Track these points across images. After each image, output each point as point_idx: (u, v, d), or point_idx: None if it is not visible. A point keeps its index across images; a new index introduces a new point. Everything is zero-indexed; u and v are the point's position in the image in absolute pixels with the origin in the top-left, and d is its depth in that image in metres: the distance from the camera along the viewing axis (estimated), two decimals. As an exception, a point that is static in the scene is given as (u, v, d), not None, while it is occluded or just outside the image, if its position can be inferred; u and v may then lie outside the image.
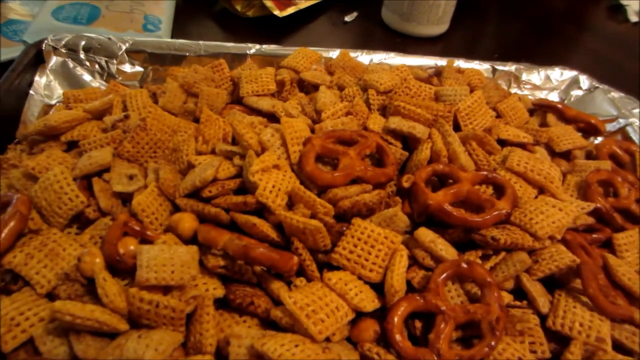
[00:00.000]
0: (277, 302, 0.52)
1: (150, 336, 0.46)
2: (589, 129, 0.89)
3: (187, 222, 0.57)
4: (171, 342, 0.46)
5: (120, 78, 0.93)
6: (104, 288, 0.48)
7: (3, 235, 0.54)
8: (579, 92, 1.02)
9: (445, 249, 0.55)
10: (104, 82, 0.92)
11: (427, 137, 0.69)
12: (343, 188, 0.60)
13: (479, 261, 0.55)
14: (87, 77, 0.91)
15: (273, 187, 0.58)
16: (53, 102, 0.87)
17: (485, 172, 0.63)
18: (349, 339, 0.51)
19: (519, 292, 0.57)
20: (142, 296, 0.47)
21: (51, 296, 0.53)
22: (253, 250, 0.49)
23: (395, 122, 0.70)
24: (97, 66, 0.92)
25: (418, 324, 0.51)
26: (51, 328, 0.50)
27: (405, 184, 0.61)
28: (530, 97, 1.00)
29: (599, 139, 0.90)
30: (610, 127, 0.94)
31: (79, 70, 0.91)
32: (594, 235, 0.65)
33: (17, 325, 0.49)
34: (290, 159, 0.64)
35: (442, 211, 0.58)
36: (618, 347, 0.53)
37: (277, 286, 0.52)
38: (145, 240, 0.57)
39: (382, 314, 0.52)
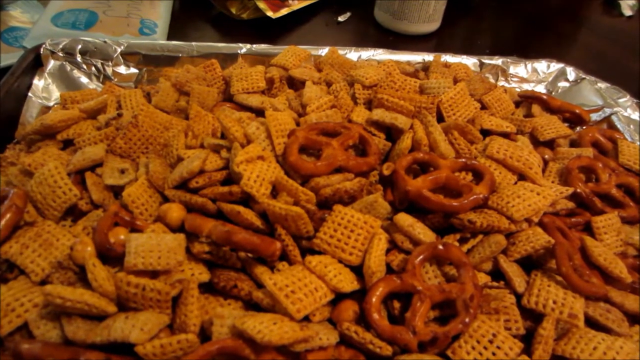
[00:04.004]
0: (261, 286, 0.54)
1: (137, 317, 0.48)
2: (574, 119, 0.91)
3: (175, 211, 0.59)
4: (157, 323, 0.48)
5: (116, 80, 0.96)
6: (93, 273, 0.51)
7: (0, 226, 0.57)
8: (566, 84, 1.04)
9: (423, 233, 0.57)
10: (100, 84, 0.95)
11: (410, 128, 0.71)
12: (325, 177, 0.62)
13: (456, 244, 0.57)
14: (84, 79, 0.94)
15: (257, 176, 0.60)
16: (51, 104, 0.90)
17: (464, 159, 0.65)
18: (331, 321, 0.53)
19: (498, 274, 0.58)
20: (130, 280, 0.50)
21: (45, 284, 0.55)
22: (235, 234, 0.51)
23: (378, 114, 0.72)
24: (93, 69, 0.95)
25: (397, 305, 0.53)
26: (44, 313, 0.52)
27: (386, 172, 0.63)
28: (517, 89, 1.01)
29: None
30: (596, 116, 0.96)
31: (76, 73, 0.94)
32: (573, 219, 0.66)
33: (12, 311, 0.52)
34: (275, 150, 0.66)
35: (421, 197, 0.59)
36: (593, 324, 0.54)
37: (261, 271, 0.54)
38: (135, 229, 0.59)
39: (362, 297, 0.53)
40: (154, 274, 0.53)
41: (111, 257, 0.56)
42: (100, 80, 0.95)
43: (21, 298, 0.53)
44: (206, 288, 0.55)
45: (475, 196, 0.59)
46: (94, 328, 0.49)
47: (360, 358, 0.49)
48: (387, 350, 0.48)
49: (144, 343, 0.46)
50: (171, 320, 0.51)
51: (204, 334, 0.51)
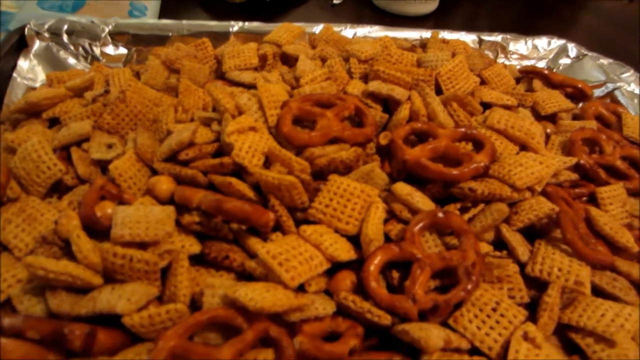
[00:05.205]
0: (253, 257, 0.52)
1: (124, 288, 0.46)
2: (577, 94, 0.88)
3: (164, 184, 0.57)
4: (145, 294, 0.46)
5: (104, 60, 0.93)
6: (77, 245, 0.48)
7: (-19, 202, 0.54)
8: (567, 61, 1.01)
9: (422, 201, 0.54)
10: (88, 65, 0.92)
11: (407, 99, 0.69)
12: (320, 147, 0.60)
13: (457, 212, 0.54)
14: (71, 60, 0.92)
15: (249, 147, 0.58)
16: (37, 85, 0.87)
17: (463, 129, 0.63)
18: (327, 293, 0.51)
19: (500, 245, 0.56)
20: (116, 251, 0.47)
21: (29, 259, 0.53)
22: (226, 202, 0.49)
23: (374, 85, 0.70)
24: (80, 49, 0.93)
25: (395, 274, 0.50)
26: (28, 288, 0.50)
27: (383, 141, 0.61)
28: (517, 67, 0.99)
29: (587, 104, 0.89)
30: (598, 92, 0.93)
31: (63, 54, 0.92)
32: (577, 190, 0.64)
33: (-6, 287, 0.50)
34: (267, 122, 0.64)
35: (419, 166, 0.57)
36: (599, 293, 0.52)
37: (253, 242, 0.52)
38: (122, 203, 0.57)
39: (359, 267, 0.51)
40: (141, 246, 0.51)
41: (98, 231, 0.54)
42: (88, 61, 0.92)
43: (4, 274, 0.51)
44: (197, 260, 0.53)
45: (476, 164, 0.57)
46: (79, 301, 0.46)
47: (358, 329, 0.47)
48: (386, 319, 0.46)
49: (131, 314, 0.43)
50: (160, 292, 0.49)
51: (195, 307, 0.48)
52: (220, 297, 0.45)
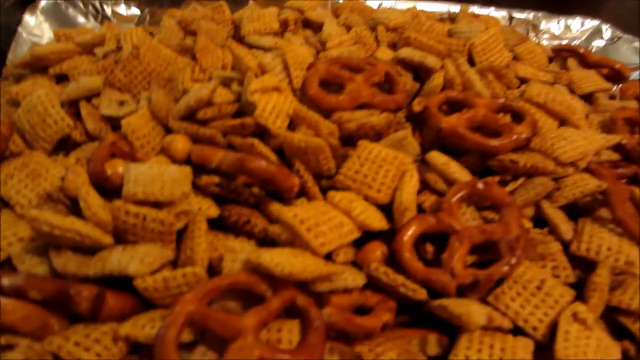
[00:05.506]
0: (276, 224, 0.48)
1: (137, 249, 0.42)
2: (613, 76, 0.83)
3: (180, 142, 0.53)
4: (159, 257, 0.42)
5: (115, 20, 0.89)
6: (86, 201, 0.44)
7: (-19, 153, 0.50)
8: (601, 43, 0.97)
9: (459, 172, 0.50)
10: (98, 25, 0.88)
11: (440, 68, 0.65)
12: (349, 112, 0.55)
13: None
14: (80, 19, 0.87)
15: (273, 108, 0.54)
16: (43, 42, 0.83)
17: (502, 100, 0.58)
18: (355, 264, 0.47)
19: (539, 223, 0.52)
20: (128, 209, 0.43)
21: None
22: (250, 161, 0.45)
23: (406, 52, 0.65)
24: (90, 7, 0.88)
25: (430, 248, 0.46)
26: (30, 247, 0.46)
27: (417, 108, 0.56)
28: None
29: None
30: (634, 75, 0.88)
31: (72, 12, 0.87)
32: (620, 171, 0.60)
33: (-6, 244, 0.46)
34: (292, 84, 0.59)
35: (455, 135, 0.53)
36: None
37: (278, 207, 0.48)
38: (135, 162, 0.53)
39: (390, 239, 0.47)
40: (156, 207, 0.47)
41: (107, 190, 0.50)
42: (98, 20, 0.88)
43: (4, 231, 0.47)
44: (214, 225, 0.49)
45: (517, 136, 0.53)
46: (86, 261, 0.42)
47: (390, 303, 0.43)
48: (422, 293, 0.42)
49: (144, 276, 0.39)
50: (176, 257, 0.45)
51: (213, 274, 0.44)
52: (241, 262, 0.41)
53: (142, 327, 0.38)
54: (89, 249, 0.43)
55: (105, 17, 0.88)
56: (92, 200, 0.44)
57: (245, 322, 0.36)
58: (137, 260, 0.40)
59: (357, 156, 0.50)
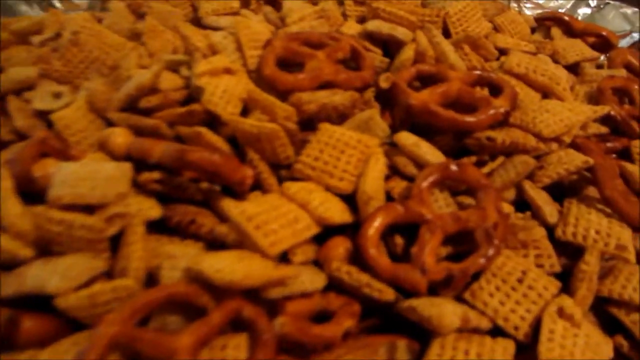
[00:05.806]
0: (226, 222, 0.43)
1: (59, 262, 0.36)
2: (600, 44, 0.78)
3: (119, 136, 0.47)
4: (86, 269, 0.36)
5: (63, 8, 0.81)
6: (3, 208, 0.39)
7: None
8: (587, 10, 0.91)
9: (430, 152, 0.45)
10: (43, 13, 0.80)
11: (412, 41, 0.59)
12: (309, 92, 0.50)
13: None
14: (23, 6, 0.80)
15: (224, 92, 0.48)
16: (-17, 33, 0.75)
17: (479, 71, 0.53)
18: (317, 264, 0.42)
19: (521, 206, 0.47)
20: (51, 215, 0.38)
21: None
22: (191, 153, 0.40)
23: (374, 25, 0.60)
24: (35, -7, 0.81)
25: (399, 241, 0.42)
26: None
27: (384, 84, 0.51)
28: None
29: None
30: (623, 42, 0.84)
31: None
32: (608, 145, 0.56)
33: None
34: (247, 65, 0.53)
35: (427, 112, 0.48)
36: (642, 259, 0.43)
37: (225, 203, 0.42)
38: (69, 160, 0.47)
39: (355, 234, 0.42)
40: (87, 211, 0.41)
41: (36, 195, 0.44)
42: (42, 8, 0.80)
43: None
44: (159, 229, 0.43)
45: (494, 110, 0.48)
46: (3, 279, 0.37)
47: (354, 306, 0.38)
48: (389, 294, 0.37)
49: (67, 293, 0.34)
50: (110, 267, 0.39)
51: (153, 284, 0.39)
52: (181, 270, 0.36)
53: (65, 352, 0.33)
54: (7, 265, 0.38)
55: (50, 5, 0.81)
56: (10, 207, 0.39)
57: (180, 341, 0.31)
58: (58, 276, 0.35)
59: (316, 141, 0.45)
